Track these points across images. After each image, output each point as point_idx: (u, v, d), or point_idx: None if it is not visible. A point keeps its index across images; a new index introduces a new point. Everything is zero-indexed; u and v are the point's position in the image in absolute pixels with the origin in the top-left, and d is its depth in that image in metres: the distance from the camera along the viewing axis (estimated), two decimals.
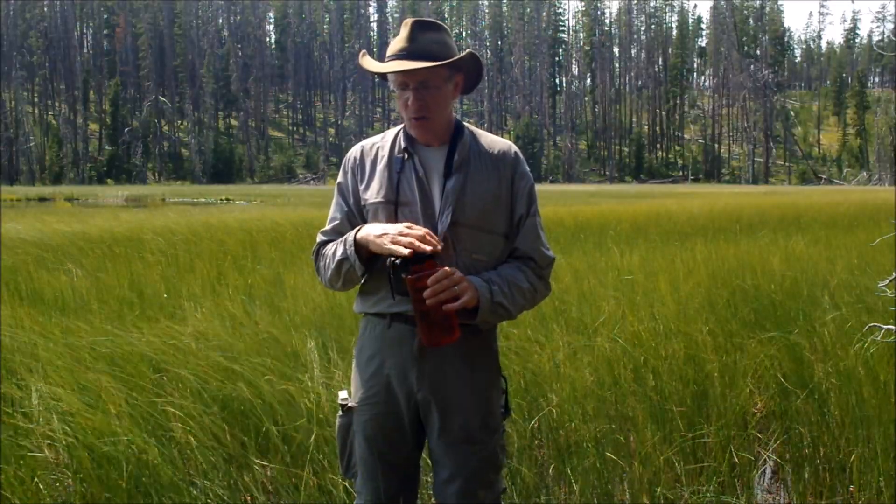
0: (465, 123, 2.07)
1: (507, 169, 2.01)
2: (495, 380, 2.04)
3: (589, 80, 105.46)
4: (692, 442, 3.12)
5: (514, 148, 2.06)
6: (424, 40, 1.92)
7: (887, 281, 4.37)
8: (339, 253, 1.97)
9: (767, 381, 3.89)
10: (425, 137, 1.98)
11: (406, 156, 1.98)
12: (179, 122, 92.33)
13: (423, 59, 1.90)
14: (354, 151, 2.09)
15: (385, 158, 2.01)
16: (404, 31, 1.95)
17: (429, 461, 2.09)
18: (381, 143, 2.06)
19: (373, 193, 2.00)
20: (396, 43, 1.94)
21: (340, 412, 2.06)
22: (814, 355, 3.95)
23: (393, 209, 1.95)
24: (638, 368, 3.76)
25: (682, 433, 3.11)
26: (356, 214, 2.04)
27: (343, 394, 2.08)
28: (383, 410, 2.00)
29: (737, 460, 3.11)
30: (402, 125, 2.05)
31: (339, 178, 2.09)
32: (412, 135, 1.99)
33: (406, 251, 1.82)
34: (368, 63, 1.99)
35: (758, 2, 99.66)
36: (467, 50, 1.96)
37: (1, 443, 2.75)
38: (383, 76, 1.99)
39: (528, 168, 2.06)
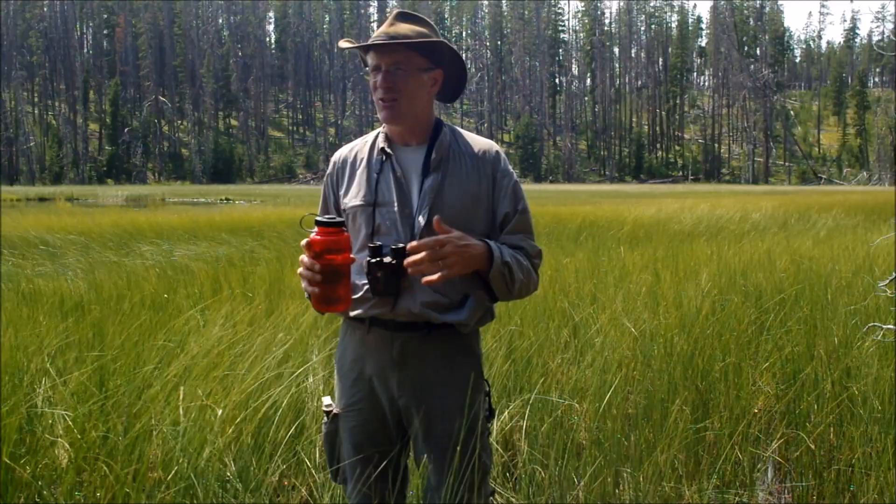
0: (448, 123, 2.05)
1: (487, 167, 1.98)
2: (478, 383, 2.01)
3: (589, 80, 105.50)
4: (695, 440, 3.12)
5: (496, 147, 2.04)
6: (404, 27, 1.93)
7: (887, 281, 4.37)
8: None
9: (770, 380, 3.90)
10: (395, 123, 1.95)
11: (384, 157, 1.98)
12: (179, 122, 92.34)
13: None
14: (335, 157, 2.09)
15: (364, 161, 2.01)
16: (387, 20, 1.96)
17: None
18: (361, 146, 2.06)
19: (351, 197, 1.99)
20: (378, 30, 1.96)
21: (326, 419, 2.05)
22: (817, 355, 3.96)
23: (371, 211, 1.94)
24: (642, 367, 3.77)
25: (685, 432, 3.12)
26: None
27: (327, 400, 2.07)
28: (368, 416, 1.99)
29: (740, 458, 3.11)
30: (381, 128, 2.04)
31: (323, 184, 2.11)
32: (382, 121, 1.97)
33: (313, 289, 1.81)
34: (344, 43, 1.99)
35: (758, 2, 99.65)
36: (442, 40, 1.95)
37: (2, 444, 2.75)
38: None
39: (510, 167, 2.03)
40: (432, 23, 2.00)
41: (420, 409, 1.95)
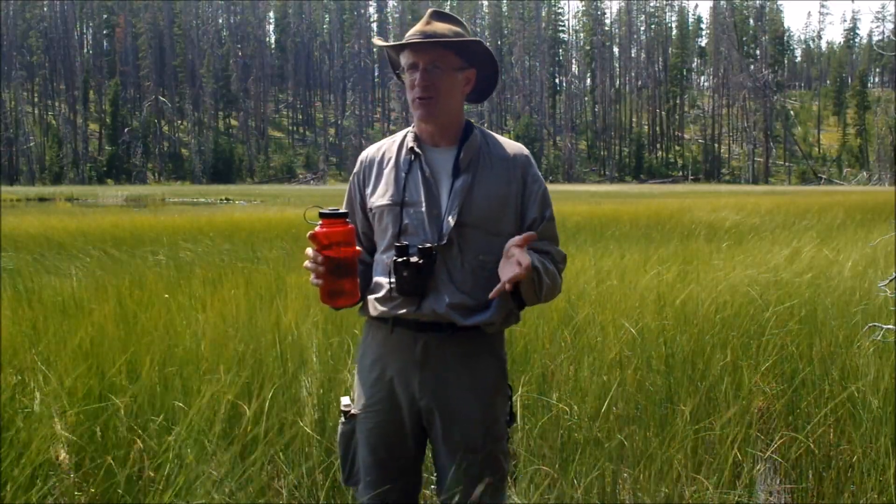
0: (477, 126, 2.05)
1: (517, 171, 1.99)
2: (500, 387, 2.01)
3: (589, 80, 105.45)
4: (694, 440, 3.12)
5: (526, 151, 2.05)
6: (440, 26, 1.93)
7: (887, 281, 4.37)
8: None
9: (770, 380, 3.90)
10: (430, 121, 1.96)
11: (413, 156, 1.97)
12: (179, 122, 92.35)
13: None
14: (362, 156, 2.09)
15: (392, 160, 2.01)
16: (422, 19, 1.97)
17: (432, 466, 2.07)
18: (389, 145, 2.05)
19: (379, 196, 1.99)
20: (413, 28, 1.96)
21: (343, 419, 2.03)
22: (817, 355, 3.96)
23: (398, 210, 1.94)
24: (641, 367, 3.76)
25: (684, 432, 3.12)
26: (358, 220, 2.05)
27: (345, 400, 2.06)
28: (386, 418, 1.97)
29: (740, 458, 3.11)
30: (409, 128, 2.04)
31: (349, 183, 2.10)
32: (418, 119, 1.97)
33: (318, 282, 1.82)
34: (379, 41, 2.00)
35: (758, 2, 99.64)
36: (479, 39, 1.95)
37: (1, 442, 2.75)
38: (398, 74, 2.01)
39: (539, 172, 2.04)
40: (465, 22, 2.01)
41: (441, 410, 1.94)
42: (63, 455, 2.87)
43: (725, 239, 9.84)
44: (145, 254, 8.53)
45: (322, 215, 1.78)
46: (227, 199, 35.50)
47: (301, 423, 3.09)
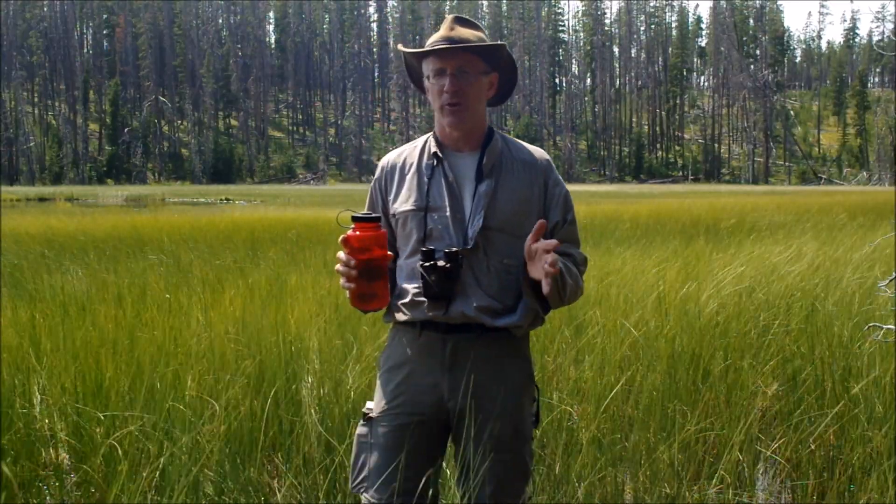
0: (498, 131, 2.06)
1: (539, 175, 2.00)
2: (528, 387, 2.02)
3: (589, 80, 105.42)
4: (694, 440, 3.12)
5: (547, 156, 2.07)
6: (465, 32, 1.94)
7: (887, 281, 4.37)
8: None
9: (771, 380, 3.90)
10: (459, 127, 1.96)
11: (435, 162, 1.98)
12: (179, 122, 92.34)
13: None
14: (383, 162, 2.09)
15: (414, 166, 2.01)
16: (444, 25, 1.97)
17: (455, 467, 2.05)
18: (410, 151, 2.06)
19: (402, 202, 1.99)
20: (436, 34, 1.96)
21: (362, 421, 2.03)
22: (818, 355, 3.95)
23: (422, 216, 1.95)
24: (642, 368, 3.76)
25: (685, 432, 3.11)
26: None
27: (369, 404, 2.05)
28: (407, 421, 1.96)
29: (740, 458, 3.11)
30: (429, 133, 2.05)
31: (370, 189, 2.11)
32: (448, 126, 1.97)
33: (350, 286, 1.82)
34: (405, 48, 2.01)
35: (758, 2, 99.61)
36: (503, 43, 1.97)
37: (2, 442, 2.75)
38: (418, 84, 2.03)
39: (560, 176, 2.06)
40: (483, 27, 2.02)
41: (471, 410, 1.94)
42: (63, 455, 2.88)
43: (726, 238, 9.85)
44: (146, 254, 8.53)
45: (355, 219, 1.80)
46: (227, 199, 35.48)
47: (301, 424, 3.09)
